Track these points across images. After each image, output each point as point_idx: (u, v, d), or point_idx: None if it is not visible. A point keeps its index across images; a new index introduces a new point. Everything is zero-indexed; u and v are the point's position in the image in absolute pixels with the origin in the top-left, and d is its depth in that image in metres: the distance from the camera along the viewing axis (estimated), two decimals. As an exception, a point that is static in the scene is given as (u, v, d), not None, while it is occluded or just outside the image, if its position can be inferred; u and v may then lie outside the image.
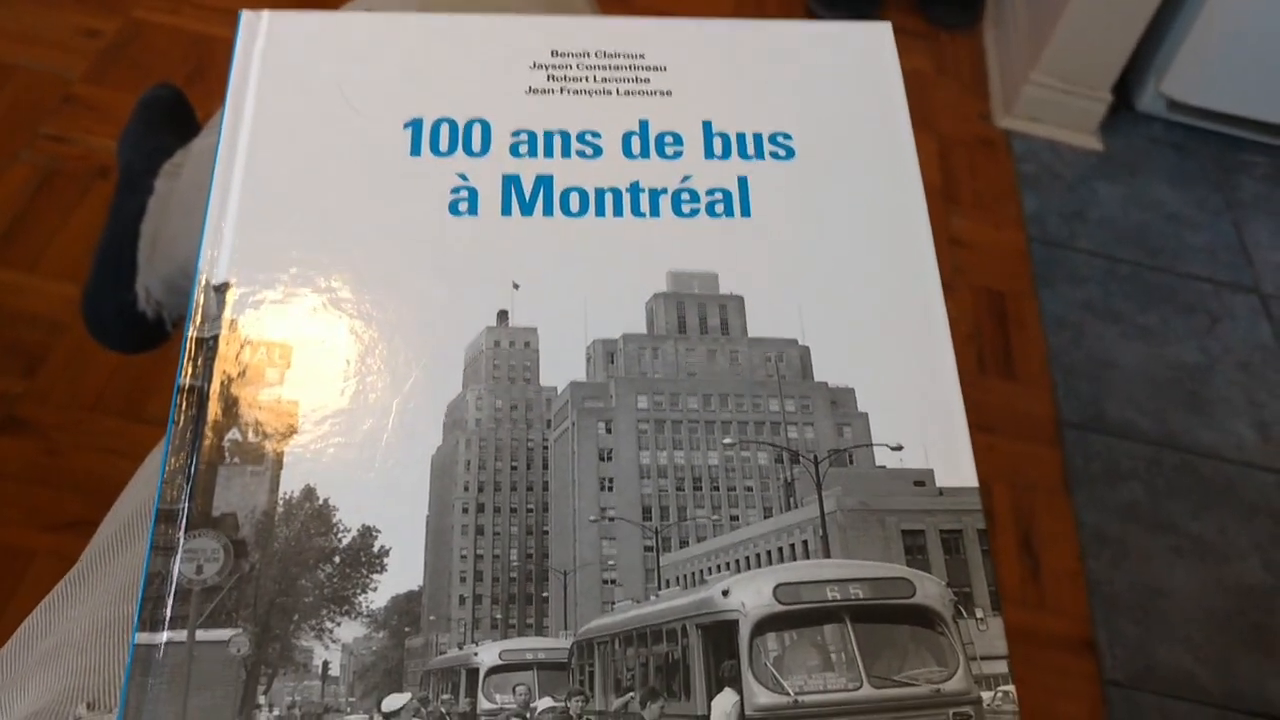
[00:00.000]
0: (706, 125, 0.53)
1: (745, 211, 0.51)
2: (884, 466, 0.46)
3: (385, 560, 0.42)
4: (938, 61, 2.30)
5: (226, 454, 0.44)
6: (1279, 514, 1.67)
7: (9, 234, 1.66)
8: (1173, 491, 1.69)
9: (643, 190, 0.51)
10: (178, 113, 1.32)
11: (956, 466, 0.46)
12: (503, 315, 0.47)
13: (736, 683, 0.41)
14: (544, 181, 0.51)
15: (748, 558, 0.45)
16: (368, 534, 0.43)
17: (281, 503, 0.43)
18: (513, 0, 0.81)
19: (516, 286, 0.48)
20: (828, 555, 0.44)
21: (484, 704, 0.42)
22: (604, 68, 0.55)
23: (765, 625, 0.42)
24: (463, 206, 0.50)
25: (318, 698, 0.41)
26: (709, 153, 0.53)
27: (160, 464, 0.44)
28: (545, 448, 0.46)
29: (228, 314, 0.47)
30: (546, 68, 0.54)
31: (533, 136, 0.52)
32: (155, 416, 1.50)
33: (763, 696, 0.40)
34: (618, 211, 0.50)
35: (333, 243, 0.49)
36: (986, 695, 0.42)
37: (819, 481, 0.46)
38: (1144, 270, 1.98)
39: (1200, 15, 1.96)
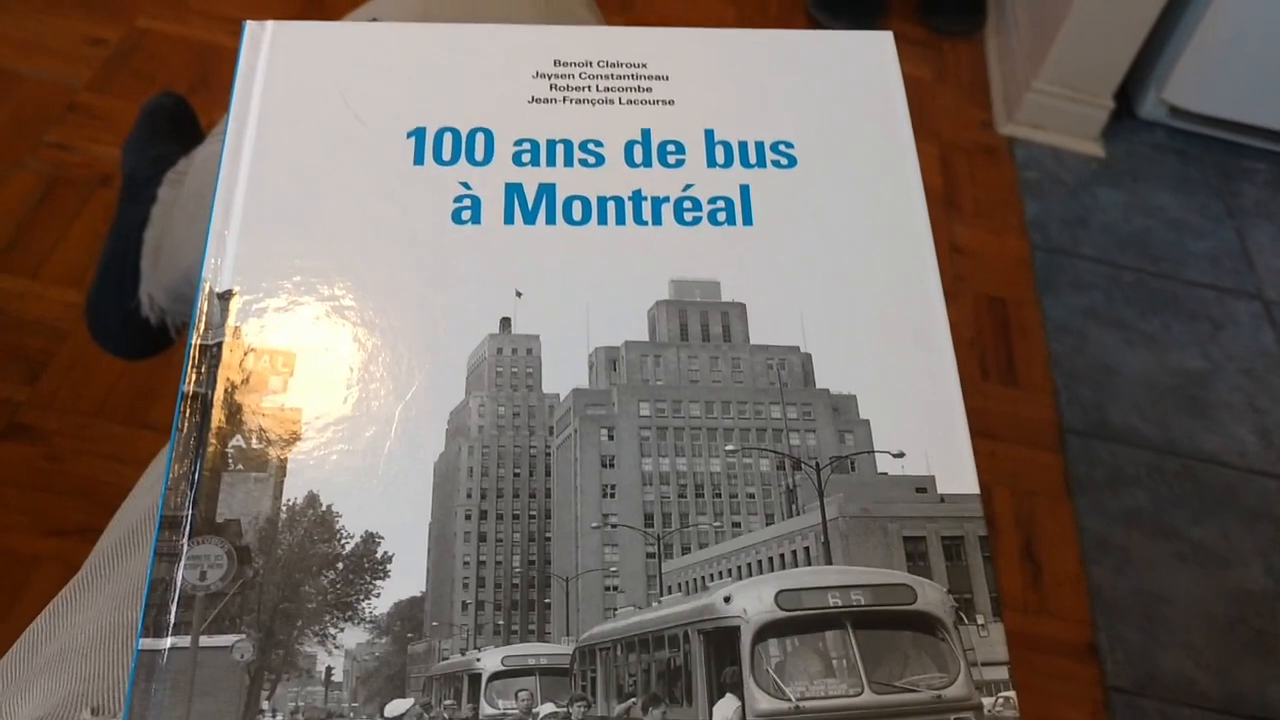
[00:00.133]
0: (708, 134, 0.54)
1: (747, 219, 0.51)
2: (886, 473, 0.46)
3: (388, 566, 0.43)
4: (940, 69, 2.30)
5: (230, 461, 0.44)
6: (1282, 520, 1.68)
7: (13, 241, 1.66)
8: (1175, 497, 1.69)
9: (645, 198, 0.51)
10: (181, 121, 1.32)
11: (958, 473, 0.46)
12: (505, 323, 0.47)
13: (738, 689, 0.41)
14: (547, 190, 0.51)
15: (749, 564, 0.45)
16: (370, 540, 0.43)
17: (285, 509, 0.43)
18: (515, 10, 0.81)
19: (519, 294, 0.48)
20: (829, 562, 0.44)
21: (486, 709, 0.42)
22: (606, 77, 0.55)
23: (767, 631, 0.42)
24: (466, 215, 0.50)
25: (321, 703, 0.41)
26: (711, 161, 0.53)
27: (164, 470, 0.44)
28: (548, 455, 0.47)
29: (231, 321, 0.47)
30: (549, 77, 0.55)
31: (535, 145, 0.52)
32: (158, 423, 1.50)
33: (764, 702, 0.41)
34: (620, 220, 0.51)
35: (336, 251, 0.49)
36: (987, 701, 0.42)
37: (820, 488, 0.46)
38: (1146, 277, 1.98)
39: (1202, 22, 1.96)
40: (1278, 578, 1.61)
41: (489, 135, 0.53)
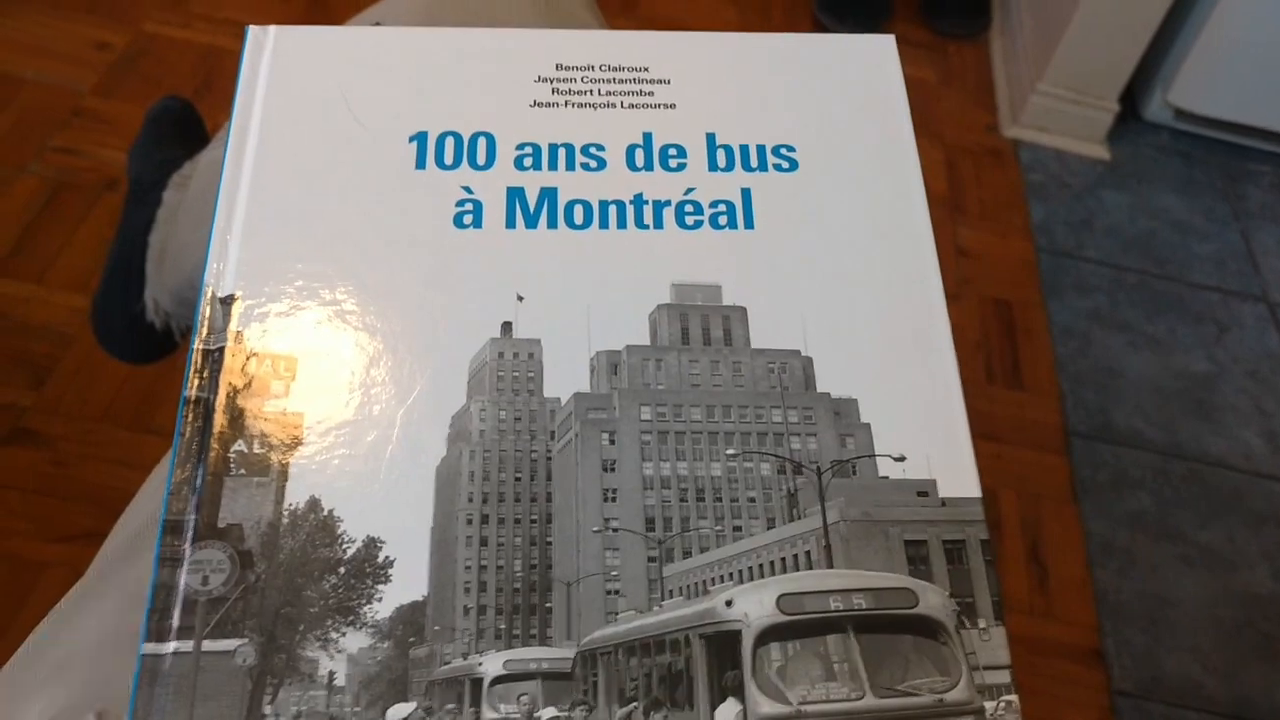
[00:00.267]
0: (710, 137, 0.54)
1: (749, 223, 0.51)
2: (887, 477, 0.46)
3: (390, 571, 0.43)
4: (944, 72, 2.30)
5: (232, 465, 0.44)
6: (1288, 523, 1.67)
7: (18, 246, 1.67)
8: (1181, 500, 1.69)
9: (646, 202, 0.51)
10: (187, 125, 1.32)
11: (959, 477, 0.46)
12: (507, 327, 0.48)
13: (739, 693, 0.41)
14: (548, 194, 0.51)
15: (751, 568, 0.45)
16: (372, 545, 0.43)
17: (287, 514, 0.43)
18: (517, 14, 0.81)
19: (520, 298, 0.48)
20: (831, 566, 0.44)
21: (488, 714, 0.42)
22: (608, 81, 0.55)
23: (768, 635, 0.42)
24: (467, 219, 0.50)
25: (323, 708, 0.41)
26: (712, 165, 0.53)
27: (166, 475, 0.44)
28: (549, 459, 0.47)
29: (233, 326, 0.47)
30: (551, 81, 0.55)
31: (537, 149, 0.53)
32: (164, 427, 1.51)
33: (766, 706, 0.41)
34: (621, 224, 0.51)
35: (338, 255, 0.49)
36: (989, 705, 0.42)
37: (822, 492, 0.46)
38: (1151, 279, 1.98)
39: (1207, 24, 1.96)
40: (1284, 581, 1.61)
41: (491, 139, 0.53)
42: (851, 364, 0.48)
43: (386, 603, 0.42)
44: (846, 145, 0.54)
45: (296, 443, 0.45)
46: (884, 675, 0.42)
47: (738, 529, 0.46)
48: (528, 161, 0.52)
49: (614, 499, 0.46)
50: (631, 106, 0.54)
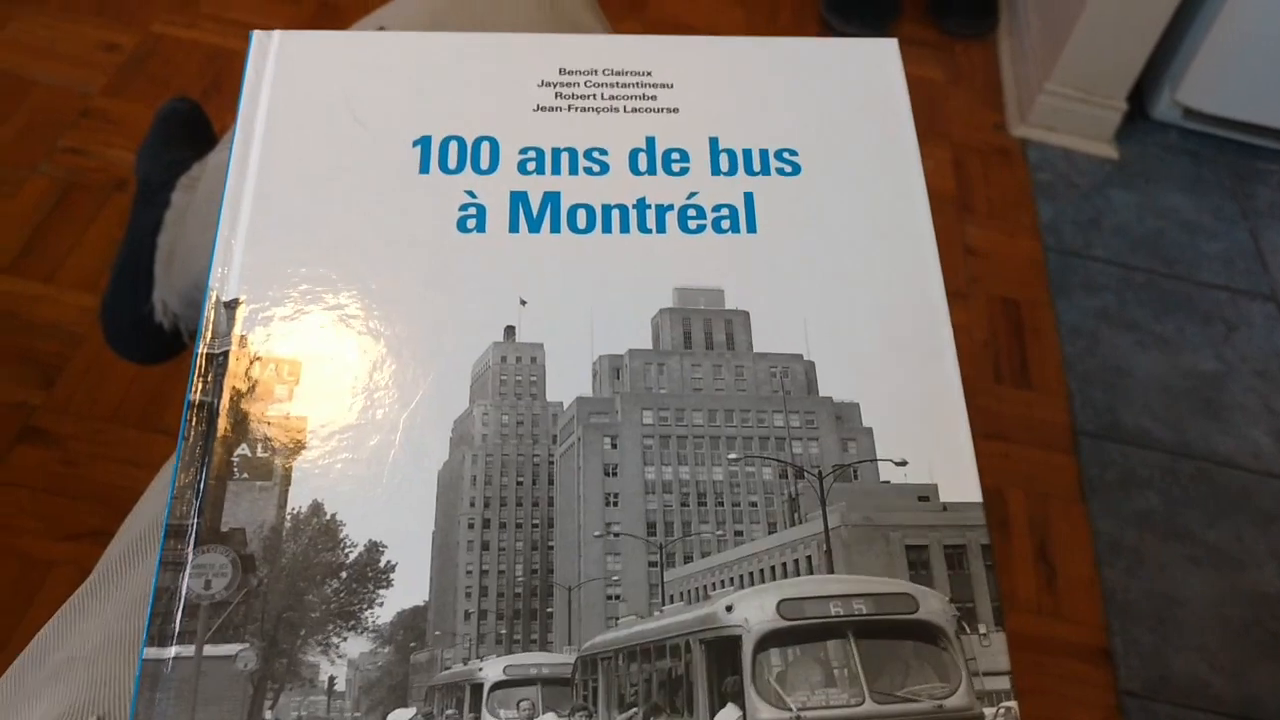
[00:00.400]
0: (713, 141, 0.54)
1: (751, 227, 0.51)
2: (888, 482, 0.46)
3: (391, 575, 0.43)
4: (952, 71, 2.29)
5: (235, 469, 0.44)
6: (1296, 523, 1.67)
7: (28, 246, 1.67)
8: (1189, 500, 1.68)
9: (649, 206, 0.52)
10: (195, 126, 1.33)
11: (961, 481, 0.46)
12: (509, 331, 0.48)
13: (739, 698, 0.41)
14: (551, 198, 0.51)
15: (751, 573, 0.45)
16: (374, 549, 0.43)
17: (289, 518, 0.43)
18: (521, 18, 0.81)
19: (523, 302, 0.48)
20: (831, 571, 0.44)
21: (488, 719, 0.42)
22: (611, 85, 0.55)
23: (768, 641, 0.42)
24: (470, 223, 0.50)
25: (324, 713, 0.41)
26: (715, 169, 0.53)
27: (170, 479, 0.44)
28: (551, 463, 0.47)
29: (237, 330, 0.47)
30: (554, 85, 0.55)
31: (540, 154, 0.53)
32: (172, 427, 1.50)
33: (765, 712, 0.41)
34: (624, 228, 0.51)
35: (341, 259, 0.49)
36: (989, 711, 0.42)
37: (823, 497, 0.46)
38: (1160, 278, 1.97)
39: (1216, 23, 1.95)
40: (1292, 581, 1.60)
41: (494, 144, 0.53)
42: (853, 368, 0.48)
43: (388, 607, 0.42)
44: (849, 149, 0.54)
45: (299, 447, 0.45)
46: (884, 681, 0.42)
47: (739, 534, 0.46)
48: (531, 166, 0.52)
49: (615, 503, 0.46)
50: (634, 111, 0.54)
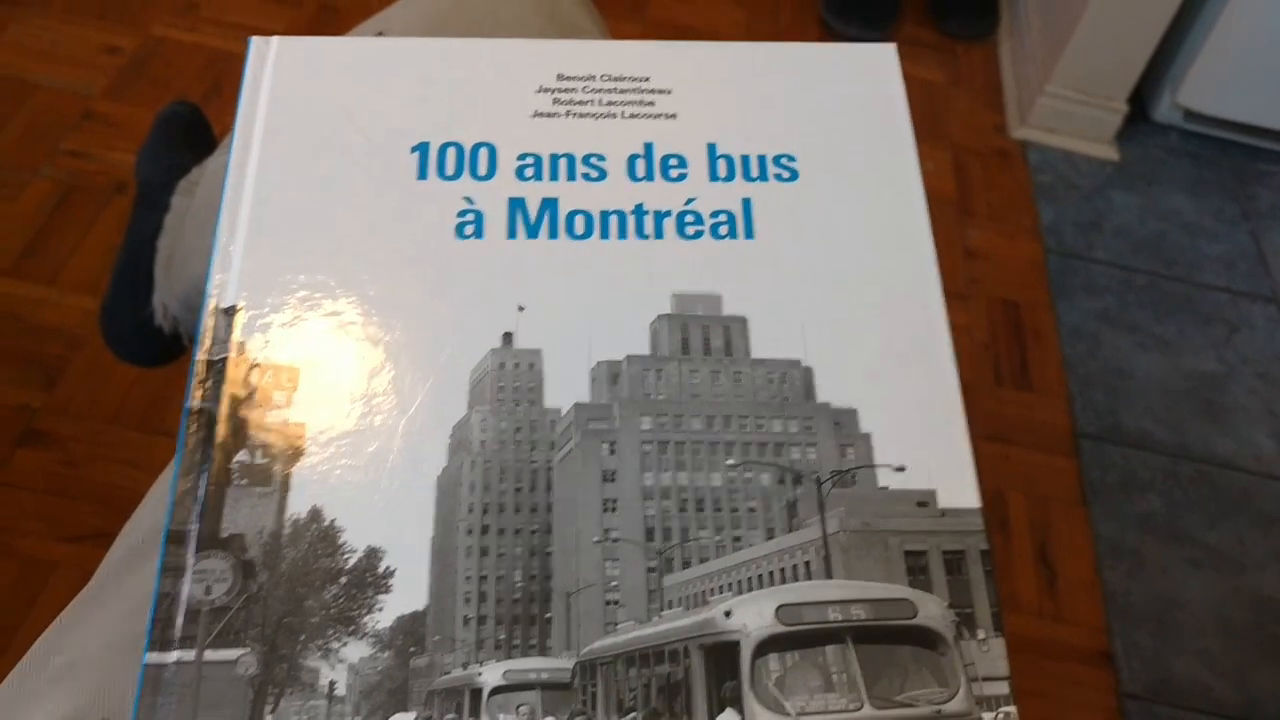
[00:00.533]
0: (711, 147, 0.54)
1: (749, 233, 0.52)
2: (886, 487, 0.46)
3: (390, 581, 0.43)
4: (953, 73, 2.29)
5: (234, 476, 0.45)
6: (1297, 525, 1.67)
7: (30, 248, 1.68)
8: (1190, 502, 1.68)
9: (647, 212, 0.52)
10: (195, 129, 1.33)
11: (959, 487, 0.46)
12: (507, 337, 0.48)
13: (738, 703, 0.41)
14: (549, 204, 0.51)
15: (750, 579, 0.45)
16: (373, 555, 0.43)
17: (289, 524, 0.44)
18: (520, 24, 0.81)
19: (521, 309, 0.48)
20: (830, 576, 0.45)
21: (487, 724, 0.42)
22: (609, 91, 0.55)
23: (767, 646, 0.42)
24: (469, 230, 0.51)
25: (324, 717, 0.41)
26: (713, 175, 0.53)
27: (170, 485, 0.44)
28: (549, 469, 0.47)
29: (236, 337, 0.47)
30: (552, 91, 0.55)
31: (538, 160, 0.53)
32: (173, 429, 1.49)
33: (764, 717, 0.41)
34: (622, 234, 0.51)
35: (340, 266, 0.49)
36: (988, 716, 0.42)
37: (821, 502, 0.46)
38: (1161, 280, 1.97)
39: (1216, 25, 1.95)
40: (1294, 583, 1.60)
41: (492, 150, 0.53)
42: (851, 374, 0.48)
43: (387, 612, 0.43)
44: (847, 155, 0.54)
45: (298, 453, 0.45)
46: (882, 686, 0.42)
47: (737, 539, 0.46)
48: (529, 172, 0.52)
49: (614, 509, 0.46)
50: (632, 116, 0.55)
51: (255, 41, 0.55)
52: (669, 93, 0.55)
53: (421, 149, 0.53)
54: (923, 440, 0.47)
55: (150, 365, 1.24)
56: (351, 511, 0.44)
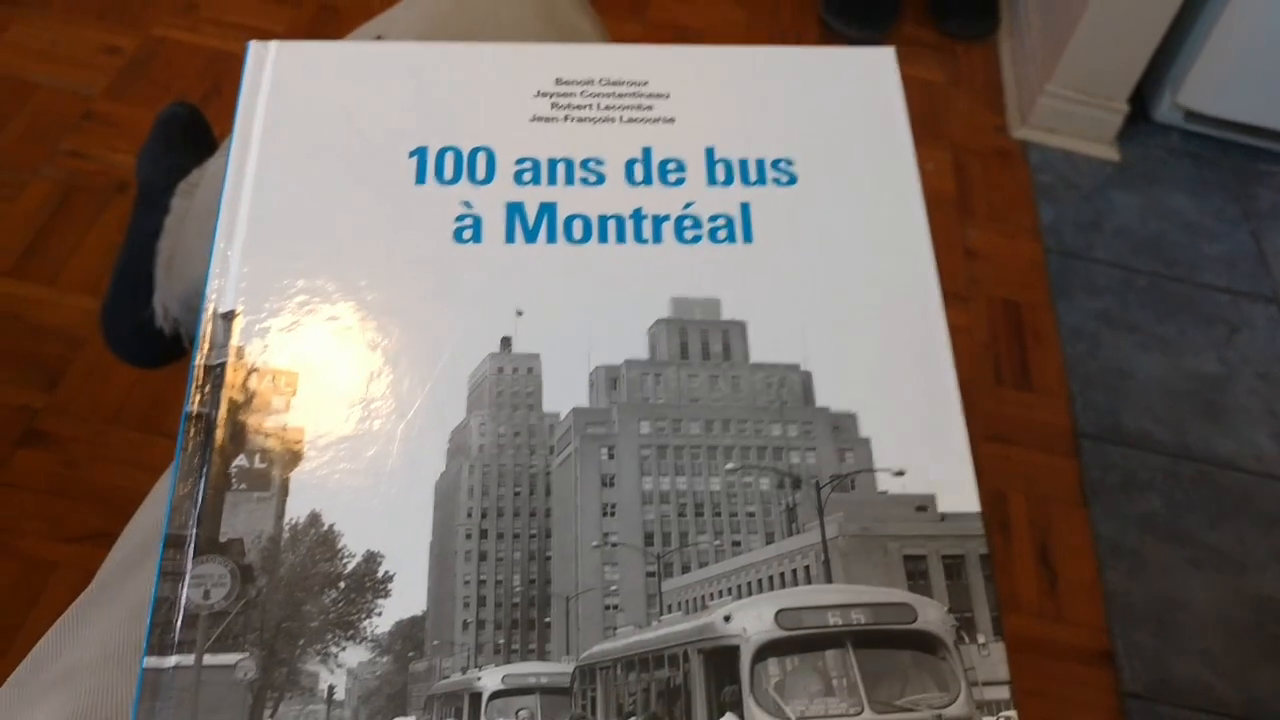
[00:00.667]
0: (709, 152, 0.54)
1: (747, 237, 0.52)
2: (886, 492, 0.46)
3: (389, 585, 0.43)
4: (953, 73, 2.29)
5: (233, 480, 0.45)
6: (1298, 525, 1.67)
7: (30, 248, 1.68)
8: (1190, 502, 1.68)
9: (645, 217, 0.52)
10: (195, 130, 1.33)
11: (959, 491, 0.46)
12: (506, 342, 0.48)
13: (738, 708, 0.41)
14: (548, 209, 0.51)
15: (749, 583, 0.45)
16: (372, 559, 0.43)
17: (287, 528, 0.44)
18: (519, 28, 0.81)
19: (520, 313, 0.48)
20: (829, 581, 0.45)
21: (486, 729, 0.42)
22: (607, 95, 0.55)
23: (767, 650, 0.42)
24: (467, 234, 0.51)
25: (323, 722, 0.41)
26: (711, 179, 0.53)
27: (168, 489, 0.44)
28: (548, 474, 0.47)
29: (234, 341, 0.47)
30: (551, 95, 0.55)
31: (536, 164, 0.53)
32: (173, 430, 1.50)
33: (763, 722, 0.41)
34: (620, 238, 0.51)
35: (338, 270, 0.49)
36: (987, 721, 0.42)
37: (821, 507, 0.46)
38: (1161, 280, 1.97)
39: (1217, 25, 1.95)
40: (1294, 583, 1.60)
41: (490, 154, 0.53)
42: (850, 378, 0.48)
43: (386, 617, 0.43)
44: (846, 159, 0.54)
45: (297, 458, 0.45)
46: (882, 691, 0.42)
47: (736, 544, 0.46)
48: (527, 176, 0.52)
49: (613, 514, 0.46)
50: (631, 121, 0.55)
51: (254, 46, 0.55)
52: (667, 97, 0.55)
53: (420, 153, 0.53)
54: (922, 444, 0.47)
55: (151, 366, 1.24)
56: (350, 516, 0.44)
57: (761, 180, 0.53)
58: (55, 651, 0.56)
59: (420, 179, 0.52)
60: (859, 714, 0.41)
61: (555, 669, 0.43)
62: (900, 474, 0.46)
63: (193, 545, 0.43)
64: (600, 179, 0.53)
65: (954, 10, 2.36)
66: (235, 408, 0.46)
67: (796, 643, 0.42)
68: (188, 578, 0.42)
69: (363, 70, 0.55)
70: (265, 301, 0.48)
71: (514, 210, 0.51)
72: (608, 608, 0.44)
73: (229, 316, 0.48)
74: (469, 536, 0.45)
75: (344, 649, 0.42)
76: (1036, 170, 2.13)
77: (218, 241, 0.49)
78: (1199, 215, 2.09)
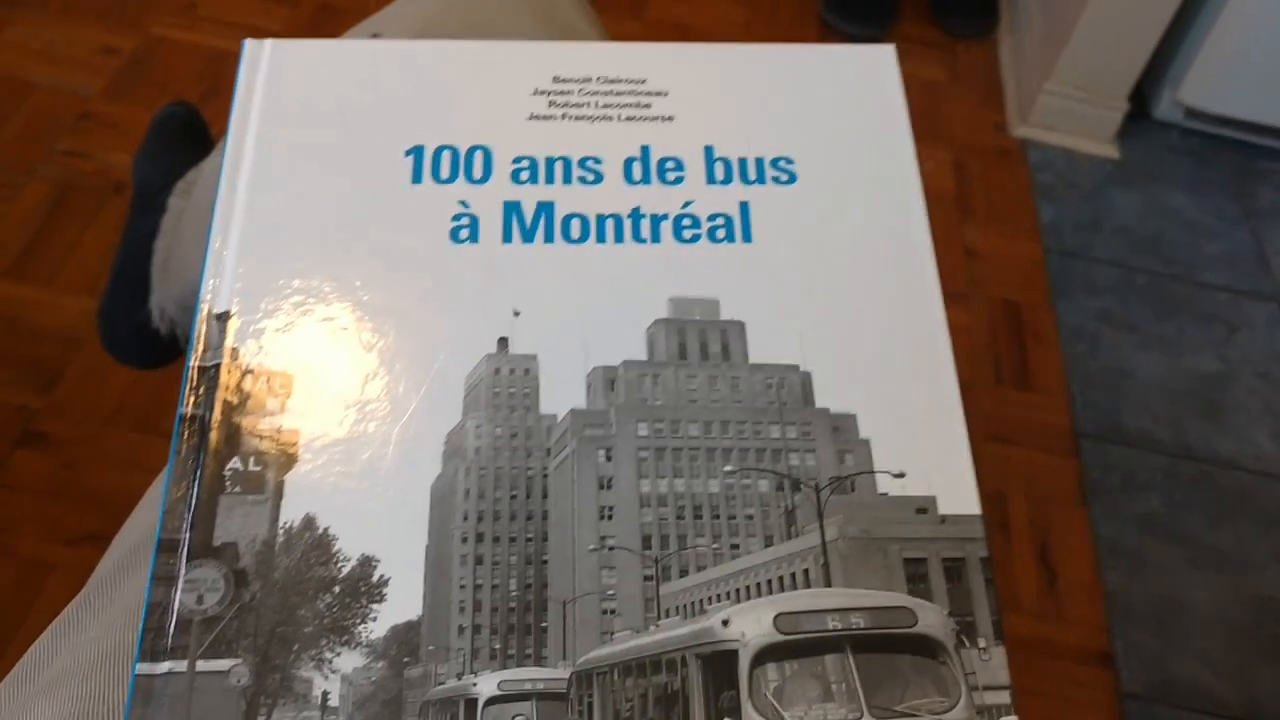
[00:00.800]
0: (708, 150, 0.53)
1: (746, 237, 0.51)
2: (886, 494, 0.46)
3: (384, 590, 0.42)
4: (953, 71, 2.29)
5: (227, 483, 0.44)
6: (1298, 525, 1.66)
7: (27, 249, 1.67)
8: (1190, 502, 1.68)
9: (644, 216, 0.51)
10: (192, 130, 1.32)
11: (959, 493, 0.46)
12: (503, 342, 0.47)
13: (736, 713, 0.41)
14: (545, 208, 0.51)
15: (748, 587, 0.44)
16: (367, 563, 0.43)
17: (282, 532, 0.43)
18: (516, 26, 0.81)
19: (517, 314, 0.48)
20: (829, 584, 0.44)
21: (482, 735, 0.42)
22: (605, 93, 0.55)
23: (765, 655, 0.42)
24: (464, 234, 0.50)
25: (317, 728, 0.41)
26: (710, 178, 0.53)
27: (162, 492, 0.44)
28: (545, 476, 0.46)
29: (229, 343, 0.47)
30: (548, 94, 0.55)
31: (534, 163, 0.52)
32: (171, 431, 1.50)
33: (762, 727, 0.40)
34: (619, 238, 0.51)
35: (333, 271, 0.49)
36: (988, 726, 0.42)
37: (820, 509, 0.46)
38: (1161, 279, 1.97)
39: (1217, 22, 1.95)
40: (1295, 583, 1.60)
41: (487, 153, 0.52)
42: (850, 379, 0.48)
43: (381, 622, 0.42)
44: (845, 158, 0.54)
45: (292, 460, 0.45)
46: (882, 695, 0.42)
47: (735, 547, 0.45)
48: (524, 175, 0.52)
49: (610, 517, 0.46)
50: (629, 119, 0.54)
51: (249, 44, 0.55)
52: (666, 95, 0.55)
53: (416, 152, 0.52)
54: (922, 446, 0.47)
55: (148, 367, 1.24)
56: (345, 519, 0.43)
57: (761, 179, 0.53)
58: (49, 656, 0.56)
59: (416, 178, 0.51)
60: (859, 719, 0.41)
61: (552, 674, 0.43)
62: (900, 476, 0.46)
63: (186, 549, 0.43)
64: (598, 178, 0.52)
65: (954, 8, 2.35)
66: (230, 410, 0.45)
67: (795, 647, 0.42)
68: (181, 582, 0.42)
69: (358, 69, 0.55)
70: (260, 302, 0.48)
71: (511, 209, 0.51)
72: (605, 612, 0.44)
73: (224, 317, 0.47)
74: (465, 540, 0.45)
75: (339, 654, 0.42)
76: (1036, 169, 2.12)
77: (212, 242, 0.49)
78: (1199, 214, 2.09)
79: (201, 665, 0.41)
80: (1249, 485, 1.71)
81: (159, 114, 1.33)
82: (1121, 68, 2.06)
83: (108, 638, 0.55)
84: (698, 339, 0.49)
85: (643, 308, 0.49)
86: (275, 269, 0.49)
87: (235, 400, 0.46)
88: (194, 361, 0.46)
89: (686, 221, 0.51)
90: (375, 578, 0.42)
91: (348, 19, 0.94)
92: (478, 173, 0.52)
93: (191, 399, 0.46)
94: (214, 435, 0.45)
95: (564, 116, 0.54)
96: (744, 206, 0.52)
